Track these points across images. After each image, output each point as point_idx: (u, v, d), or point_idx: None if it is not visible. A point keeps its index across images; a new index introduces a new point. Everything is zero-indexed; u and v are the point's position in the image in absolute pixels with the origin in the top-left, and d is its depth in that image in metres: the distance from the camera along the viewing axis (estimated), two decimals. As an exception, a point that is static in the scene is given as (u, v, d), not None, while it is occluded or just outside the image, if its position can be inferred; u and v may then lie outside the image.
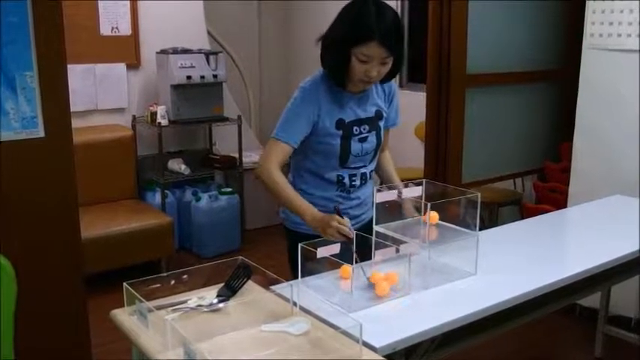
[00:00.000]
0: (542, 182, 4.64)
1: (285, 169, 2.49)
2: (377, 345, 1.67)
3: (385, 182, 2.68)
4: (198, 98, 5.18)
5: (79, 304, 2.83)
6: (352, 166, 2.47)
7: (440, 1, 3.91)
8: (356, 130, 2.42)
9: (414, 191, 2.20)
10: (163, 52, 5.09)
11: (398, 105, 2.62)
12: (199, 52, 5.19)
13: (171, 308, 1.84)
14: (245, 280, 1.97)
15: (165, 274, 1.97)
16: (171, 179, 5.25)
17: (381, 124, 2.51)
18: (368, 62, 2.26)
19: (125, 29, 5.17)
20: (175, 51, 5.07)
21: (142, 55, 5.28)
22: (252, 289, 1.99)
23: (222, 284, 1.97)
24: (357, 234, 2.12)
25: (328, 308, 1.83)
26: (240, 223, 5.41)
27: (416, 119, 5.00)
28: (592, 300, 3.50)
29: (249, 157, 5.69)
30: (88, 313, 2.88)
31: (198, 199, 5.19)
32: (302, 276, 2.01)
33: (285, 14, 7.17)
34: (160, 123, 5.00)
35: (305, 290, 1.96)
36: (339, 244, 1.95)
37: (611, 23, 3.65)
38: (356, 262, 2.09)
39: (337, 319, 1.74)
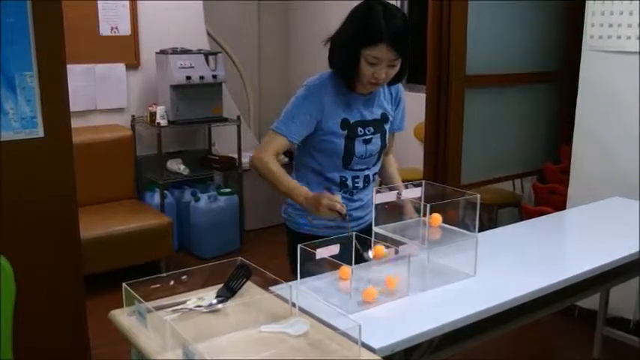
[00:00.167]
0: (542, 184, 4.65)
1: (289, 169, 2.50)
2: (376, 346, 1.67)
3: (387, 184, 2.68)
4: (197, 98, 5.18)
5: (78, 304, 2.83)
6: (355, 167, 2.47)
7: (440, 1, 3.91)
8: (360, 131, 2.43)
9: (414, 192, 2.20)
10: (163, 52, 5.09)
11: (404, 109, 2.63)
12: (199, 52, 5.18)
13: (171, 309, 1.84)
14: (244, 280, 1.97)
15: (164, 275, 1.97)
16: (170, 179, 5.25)
17: (387, 127, 2.52)
18: (376, 64, 2.27)
19: (125, 29, 5.17)
20: (175, 51, 5.07)
21: (142, 55, 5.28)
22: (251, 289, 1.99)
23: (222, 285, 1.97)
24: (356, 235, 2.12)
25: (327, 309, 1.83)
26: (239, 224, 5.41)
27: (415, 120, 5.00)
28: (591, 301, 3.50)
29: (249, 158, 5.68)
30: (86, 313, 2.88)
31: (197, 200, 5.19)
32: (301, 277, 2.01)
33: (285, 15, 7.17)
34: (159, 123, 4.99)
35: (304, 291, 1.96)
36: (338, 245, 1.95)
37: (610, 25, 3.65)
38: (356, 249, 2.11)
39: (336, 320, 1.74)
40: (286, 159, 5.88)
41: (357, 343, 1.60)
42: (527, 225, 3.00)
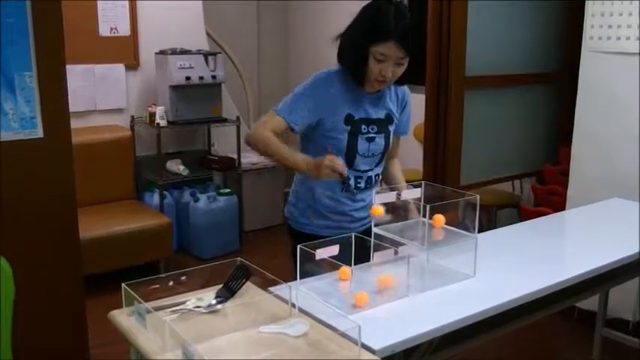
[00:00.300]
0: (541, 185, 4.65)
1: (294, 172, 2.50)
2: (376, 347, 1.67)
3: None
4: (196, 99, 5.18)
5: (77, 304, 2.83)
6: (358, 167, 2.48)
7: (439, 2, 3.91)
8: (364, 129, 2.44)
9: (413, 193, 2.20)
10: (162, 52, 5.09)
11: (410, 114, 2.64)
12: (198, 52, 5.19)
13: (170, 309, 1.84)
14: (244, 281, 1.96)
15: (163, 275, 1.97)
16: (169, 180, 5.25)
17: (391, 128, 2.53)
18: (384, 61, 2.29)
19: (124, 30, 5.17)
20: (174, 52, 5.07)
21: (141, 55, 5.28)
22: (250, 290, 1.99)
23: (221, 285, 1.97)
24: (356, 236, 2.12)
25: (327, 310, 1.83)
26: (238, 224, 5.41)
27: (415, 121, 4.99)
28: (590, 302, 3.50)
29: (248, 158, 5.69)
30: (86, 313, 2.88)
31: (196, 200, 5.19)
32: (301, 277, 2.01)
33: (284, 15, 7.18)
34: (158, 124, 4.99)
35: (304, 291, 1.96)
36: (337, 246, 1.94)
37: (610, 26, 3.65)
38: (345, 183, 2.24)
39: (336, 321, 1.74)
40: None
41: (356, 343, 1.60)
42: (526, 226, 2.99)
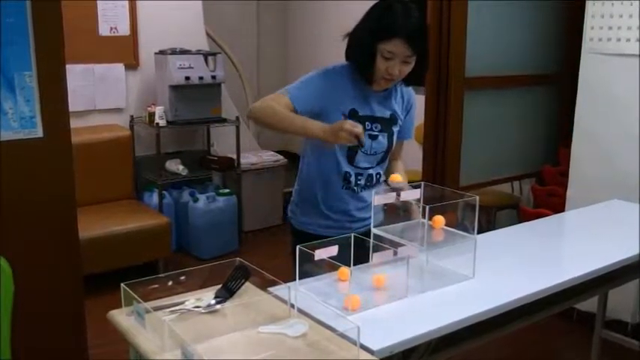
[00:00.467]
0: (541, 186, 4.65)
1: (289, 169, 2.50)
2: (374, 347, 1.67)
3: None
4: (196, 99, 5.18)
5: (76, 304, 2.83)
6: (359, 164, 2.48)
7: (439, 2, 3.92)
8: (367, 126, 2.44)
9: (413, 194, 2.20)
10: (162, 52, 5.10)
11: (414, 118, 2.65)
12: (198, 52, 5.19)
13: (169, 309, 1.84)
14: (243, 281, 1.96)
15: (162, 275, 1.97)
16: (168, 180, 5.25)
17: (395, 129, 2.53)
18: (391, 59, 2.30)
19: (124, 30, 5.17)
20: (174, 52, 5.07)
21: (141, 55, 5.28)
22: (249, 290, 1.99)
23: (220, 285, 1.96)
24: (355, 237, 2.12)
25: (326, 310, 1.83)
26: (237, 225, 5.41)
27: (414, 122, 5.01)
28: (589, 304, 3.50)
29: (247, 159, 5.69)
30: (85, 313, 2.88)
31: (195, 200, 5.19)
32: (300, 277, 2.01)
33: (284, 15, 7.19)
34: (158, 123, 4.99)
35: (303, 292, 1.96)
36: (336, 247, 1.95)
37: (610, 28, 3.65)
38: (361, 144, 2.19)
39: (335, 322, 1.74)
40: (285, 160, 5.90)
41: (355, 344, 1.60)
42: (525, 227, 2.99)
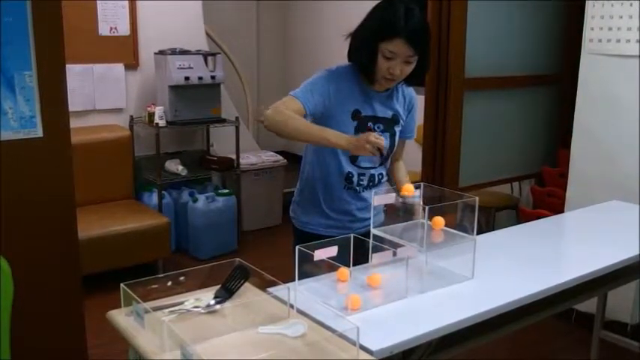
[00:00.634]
0: (540, 187, 4.65)
1: (289, 169, 2.50)
2: (374, 348, 1.67)
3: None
4: (196, 99, 5.18)
5: (75, 304, 2.83)
6: (362, 165, 2.49)
7: (439, 3, 3.92)
8: (370, 126, 2.45)
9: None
10: (162, 52, 5.09)
11: (416, 118, 2.65)
12: (197, 53, 5.19)
13: (168, 309, 1.84)
14: (242, 281, 1.96)
15: (162, 275, 1.97)
16: (168, 180, 5.24)
17: (397, 129, 2.54)
18: (392, 59, 2.31)
19: (124, 30, 5.17)
20: (173, 52, 5.07)
21: (141, 55, 5.28)
22: (249, 290, 1.99)
23: (219, 286, 1.96)
24: (355, 237, 2.12)
25: (325, 311, 1.83)
26: (237, 225, 5.41)
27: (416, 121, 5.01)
28: (588, 305, 3.50)
29: (247, 159, 5.69)
30: (84, 313, 2.88)
31: (195, 201, 5.19)
32: (300, 278, 2.01)
33: (284, 16, 7.19)
34: (157, 124, 4.99)
35: (302, 292, 1.96)
36: (336, 247, 1.95)
37: (610, 28, 3.65)
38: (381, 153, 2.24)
39: (334, 322, 1.74)
40: (285, 160, 5.90)
41: (354, 345, 1.61)
42: (525, 228, 2.99)
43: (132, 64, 5.27)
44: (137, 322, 1.76)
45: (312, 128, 2.31)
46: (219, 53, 5.39)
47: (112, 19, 5.09)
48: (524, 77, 4.51)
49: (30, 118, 2.57)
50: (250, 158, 5.76)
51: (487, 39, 4.17)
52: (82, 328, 2.87)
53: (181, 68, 5.01)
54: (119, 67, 5.20)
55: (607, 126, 3.77)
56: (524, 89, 4.57)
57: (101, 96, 5.15)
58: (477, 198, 2.15)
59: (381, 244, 2.10)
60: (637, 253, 2.51)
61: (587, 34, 3.78)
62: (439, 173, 4.13)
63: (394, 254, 2.02)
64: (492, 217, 4.85)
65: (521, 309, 2.10)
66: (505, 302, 2.03)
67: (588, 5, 3.77)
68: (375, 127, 2.46)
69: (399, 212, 2.30)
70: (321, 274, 2.07)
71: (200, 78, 5.10)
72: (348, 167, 2.48)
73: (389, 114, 2.51)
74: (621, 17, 3.59)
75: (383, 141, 2.23)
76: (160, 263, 4.79)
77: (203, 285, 2.00)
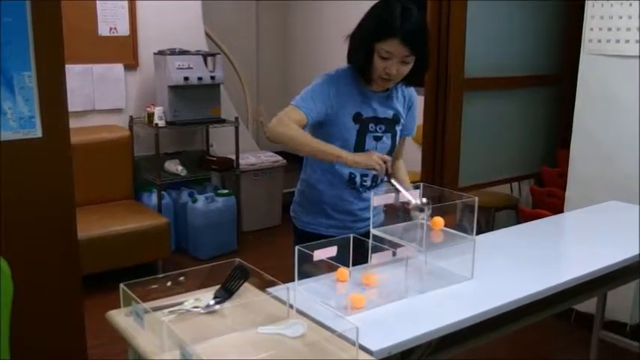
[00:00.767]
0: (539, 187, 4.65)
1: (289, 169, 2.50)
2: (373, 348, 1.67)
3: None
4: (195, 99, 5.18)
5: (75, 304, 2.83)
6: None
7: (439, 3, 3.92)
8: (372, 128, 2.45)
9: (412, 194, 2.20)
10: (161, 53, 5.09)
11: (416, 115, 2.65)
12: (197, 53, 5.19)
13: (168, 310, 1.84)
14: (242, 282, 1.96)
15: (161, 276, 1.97)
16: (167, 180, 5.25)
17: (398, 128, 2.54)
18: (389, 59, 2.31)
19: (123, 30, 5.17)
20: (173, 52, 5.07)
21: (140, 55, 5.28)
22: (248, 291, 1.99)
23: (219, 286, 1.96)
24: (354, 237, 2.12)
25: (325, 311, 1.83)
26: (236, 225, 5.41)
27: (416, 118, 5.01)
28: (588, 305, 3.50)
29: (246, 159, 5.69)
30: (84, 313, 2.88)
31: (194, 201, 5.19)
32: (300, 278, 2.01)
33: (283, 16, 7.19)
34: (157, 124, 4.99)
35: (301, 292, 1.96)
36: (335, 247, 1.95)
37: (609, 29, 3.65)
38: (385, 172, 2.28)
39: (333, 322, 1.74)
40: (284, 161, 5.90)
41: (354, 345, 1.61)
42: (524, 228, 3.00)
43: (131, 65, 5.27)
44: (137, 323, 1.76)
45: (318, 144, 2.33)
46: (218, 53, 5.39)
47: (111, 19, 5.09)
48: (524, 77, 4.51)
49: (29, 118, 2.57)
50: (250, 158, 5.76)
51: (487, 39, 4.17)
52: (82, 328, 2.87)
53: (181, 68, 5.01)
54: (119, 68, 5.20)
55: (606, 126, 3.77)
56: (523, 89, 4.57)
57: (101, 96, 5.15)
58: (476, 198, 2.15)
59: (381, 244, 2.11)
60: (636, 253, 2.51)
61: (587, 34, 3.78)
62: (439, 173, 4.13)
63: (394, 254, 2.02)
64: (492, 217, 4.85)
65: (521, 309, 2.10)
66: (504, 302, 2.03)
67: (588, 5, 3.77)
68: (377, 129, 2.46)
69: (399, 212, 2.30)
70: (320, 274, 2.07)
71: (199, 78, 5.10)
72: (350, 169, 2.47)
73: (390, 114, 2.51)
74: (621, 17, 3.59)
75: (386, 161, 2.27)
76: (159, 263, 4.79)
77: (203, 285, 2.00)
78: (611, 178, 3.72)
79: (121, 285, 1.80)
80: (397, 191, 2.24)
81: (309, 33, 6.79)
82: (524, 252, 2.53)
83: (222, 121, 5.41)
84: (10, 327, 2.01)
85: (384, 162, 2.27)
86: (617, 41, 3.63)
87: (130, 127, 5.27)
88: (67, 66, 2.66)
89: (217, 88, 5.33)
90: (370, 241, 2.13)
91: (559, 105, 4.76)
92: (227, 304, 1.90)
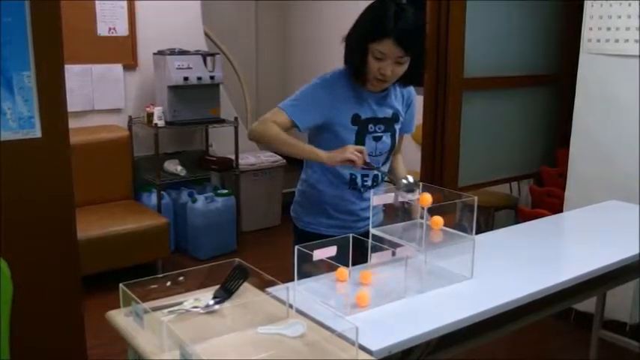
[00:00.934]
0: (539, 186, 4.65)
1: (290, 169, 2.50)
2: (373, 348, 1.67)
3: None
4: (194, 99, 5.18)
5: (75, 304, 2.83)
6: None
7: (438, 2, 3.92)
8: (371, 128, 2.45)
9: (411, 194, 2.20)
10: (160, 53, 5.09)
11: (414, 112, 2.65)
12: (196, 53, 5.19)
13: (167, 310, 1.84)
14: (241, 281, 1.96)
15: (161, 276, 1.97)
16: (167, 180, 5.25)
17: (397, 127, 2.54)
18: (383, 60, 2.30)
19: (122, 30, 5.17)
20: (172, 52, 5.07)
21: (139, 55, 5.28)
22: (248, 291, 1.99)
23: (219, 286, 1.96)
24: (354, 237, 2.12)
25: (324, 311, 1.83)
26: (236, 225, 5.41)
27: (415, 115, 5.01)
28: (587, 304, 3.50)
29: (246, 159, 5.69)
30: (83, 313, 2.88)
31: (194, 201, 5.19)
32: (300, 277, 2.01)
33: (283, 16, 7.18)
34: (156, 124, 4.99)
35: (301, 292, 1.96)
36: (335, 247, 1.95)
37: (608, 28, 3.65)
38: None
39: (333, 322, 1.74)
40: (284, 161, 5.90)
41: (354, 344, 1.61)
42: (523, 227, 3.00)
43: (131, 65, 5.27)
44: (136, 323, 1.76)
45: (296, 143, 2.36)
46: (218, 53, 5.39)
47: (110, 19, 5.09)
48: (523, 77, 4.51)
49: (28, 118, 2.57)
50: (249, 158, 5.76)
51: (486, 39, 4.17)
52: (82, 329, 2.87)
53: (180, 68, 5.01)
54: (118, 68, 5.20)
55: (606, 126, 3.77)
56: (523, 89, 4.57)
57: (100, 96, 5.15)
58: (476, 198, 2.15)
59: (380, 243, 2.11)
60: (636, 252, 2.51)
61: (586, 33, 3.79)
62: (438, 173, 4.13)
63: (393, 254, 2.02)
64: (491, 216, 4.85)
65: (521, 309, 2.10)
66: (504, 302, 2.03)
67: (587, 5, 3.77)
68: (377, 129, 2.46)
69: (398, 212, 2.30)
70: (320, 274, 2.07)
71: (199, 78, 5.10)
72: (351, 169, 2.47)
73: (389, 113, 2.50)
74: (620, 17, 3.59)
75: (364, 153, 2.27)
76: (159, 263, 4.79)
77: (202, 285, 2.00)
78: (610, 178, 3.73)
79: (121, 285, 1.80)
80: (392, 182, 2.24)
81: (309, 33, 6.79)
82: (524, 252, 2.53)
83: (222, 121, 5.41)
84: (10, 327, 2.01)
85: (360, 152, 2.26)
86: (617, 41, 3.63)
87: (130, 127, 5.27)
88: (66, 66, 2.66)
89: (217, 88, 5.33)
90: (370, 240, 2.13)
91: (558, 104, 4.76)
92: (227, 304, 1.90)
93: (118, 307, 1.84)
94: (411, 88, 2.60)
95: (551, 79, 4.72)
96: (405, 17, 2.27)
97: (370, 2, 2.37)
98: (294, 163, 2.43)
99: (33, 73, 2.55)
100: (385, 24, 2.25)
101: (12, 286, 2.00)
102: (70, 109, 2.75)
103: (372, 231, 2.19)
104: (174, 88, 5.04)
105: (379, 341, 1.71)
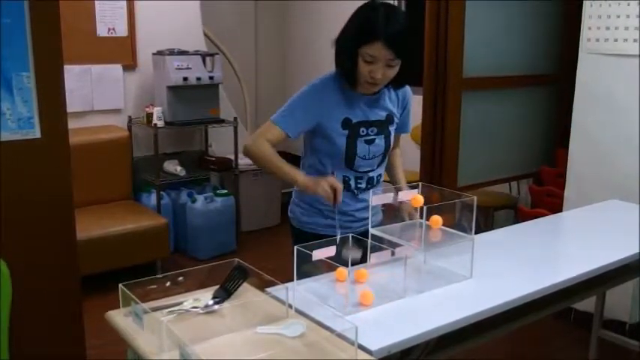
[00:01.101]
0: (538, 186, 4.65)
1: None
2: (372, 348, 1.67)
3: (392, 182, 2.69)
4: (194, 100, 5.18)
5: (74, 305, 2.83)
6: (359, 169, 2.48)
7: (437, 3, 3.92)
8: (363, 132, 2.43)
9: (411, 194, 2.20)
10: (160, 53, 5.09)
11: (410, 112, 2.64)
12: (196, 53, 5.19)
13: (167, 310, 1.84)
14: (241, 282, 1.96)
15: (160, 276, 1.97)
16: (166, 181, 5.25)
17: (392, 128, 2.53)
18: (373, 63, 2.28)
19: (122, 30, 5.17)
20: (172, 52, 5.07)
21: (139, 56, 5.28)
22: (247, 291, 1.99)
23: (218, 286, 1.97)
24: (353, 237, 2.12)
25: (324, 311, 1.83)
26: (235, 225, 5.41)
27: (412, 122, 5.00)
28: (587, 304, 3.50)
29: (245, 159, 5.67)
30: (83, 314, 2.88)
31: (193, 201, 5.19)
32: (299, 277, 2.01)
33: (282, 16, 7.18)
34: (156, 124, 4.99)
35: (300, 292, 1.96)
36: (334, 247, 1.95)
37: (607, 28, 3.65)
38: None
39: (333, 322, 1.74)
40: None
41: (353, 344, 1.61)
42: (523, 227, 3.00)
43: (130, 65, 5.27)
44: (136, 323, 1.76)
45: (282, 166, 2.40)
46: (217, 54, 5.39)
47: (110, 19, 5.09)
48: (523, 77, 4.51)
49: (28, 119, 2.57)
50: (249, 159, 5.75)
51: (485, 39, 4.17)
52: (81, 329, 2.87)
53: (179, 69, 5.01)
54: (117, 68, 5.20)
55: (605, 125, 3.77)
56: (522, 89, 4.57)
57: (99, 97, 5.15)
58: (475, 197, 2.15)
59: (380, 243, 2.11)
60: (635, 252, 2.51)
61: (585, 33, 3.79)
62: (438, 173, 4.13)
63: (392, 254, 2.02)
64: (491, 216, 4.85)
65: (520, 308, 2.10)
66: (503, 301, 2.03)
67: (586, 5, 3.77)
68: (369, 132, 2.45)
69: (397, 212, 2.30)
70: (319, 274, 2.07)
71: (198, 78, 5.10)
72: (344, 171, 2.47)
73: (382, 115, 2.49)
74: (619, 17, 3.59)
75: (339, 188, 2.29)
76: (158, 264, 4.79)
77: (202, 285, 2.00)
78: (609, 178, 3.73)
79: (120, 285, 1.80)
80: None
81: (309, 33, 6.78)
82: (523, 251, 2.53)
83: (221, 121, 5.41)
84: (10, 327, 2.01)
85: (335, 190, 2.27)
86: (616, 40, 3.63)
87: (129, 128, 5.27)
88: (65, 66, 2.66)
89: (216, 88, 5.33)
90: (369, 240, 2.13)
91: (558, 104, 4.76)
92: (226, 304, 1.90)
93: (117, 307, 1.84)
94: (407, 88, 2.58)
95: (551, 79, 4.72)
96: (395, 20, 2.26)
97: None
98: (293, 163, 2.43)
99: (32, 74, 2.55)
100: (375, 27, 2.24)
101: (11, 287, 2.00)
102: (69, 109, 2.75)
103: (372, 231, 2.19)
104: (173, 89, 5.03)
105: (379, 341, 1.71)
